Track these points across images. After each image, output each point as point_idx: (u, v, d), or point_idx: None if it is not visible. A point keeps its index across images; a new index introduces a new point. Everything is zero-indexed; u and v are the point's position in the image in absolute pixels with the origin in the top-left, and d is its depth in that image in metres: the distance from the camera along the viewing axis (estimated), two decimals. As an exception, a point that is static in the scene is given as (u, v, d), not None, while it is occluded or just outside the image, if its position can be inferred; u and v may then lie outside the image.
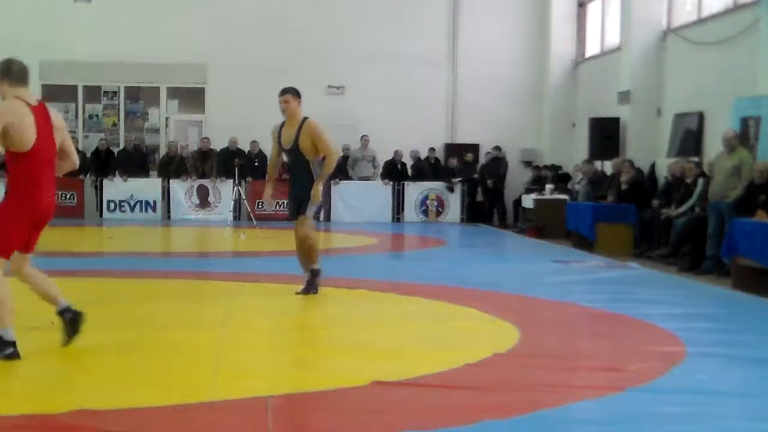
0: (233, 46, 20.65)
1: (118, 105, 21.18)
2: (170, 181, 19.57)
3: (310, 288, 8.29)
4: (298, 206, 8.30)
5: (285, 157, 8.49)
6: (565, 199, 16.80)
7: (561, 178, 18.64)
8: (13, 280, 5.91)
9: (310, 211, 8.22)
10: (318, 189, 8.13)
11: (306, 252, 8.27)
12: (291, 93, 8.19)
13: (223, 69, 20.71)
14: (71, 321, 5.84)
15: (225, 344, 6.18)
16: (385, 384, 4.99)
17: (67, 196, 19.32)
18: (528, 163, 21.03)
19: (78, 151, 21.74)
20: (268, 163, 8.91)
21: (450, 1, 21.41)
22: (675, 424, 4.40)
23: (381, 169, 20.18)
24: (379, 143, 20.19)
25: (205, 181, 19.59)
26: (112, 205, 19.49)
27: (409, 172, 20.29)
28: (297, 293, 8.27)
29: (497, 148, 20.49)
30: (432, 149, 20.59)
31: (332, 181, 19.71)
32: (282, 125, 8.32)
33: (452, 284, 9.37)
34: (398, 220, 19.93)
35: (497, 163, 20.33)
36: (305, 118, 8.16)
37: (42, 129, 5.55)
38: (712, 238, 11.14)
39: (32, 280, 5.89)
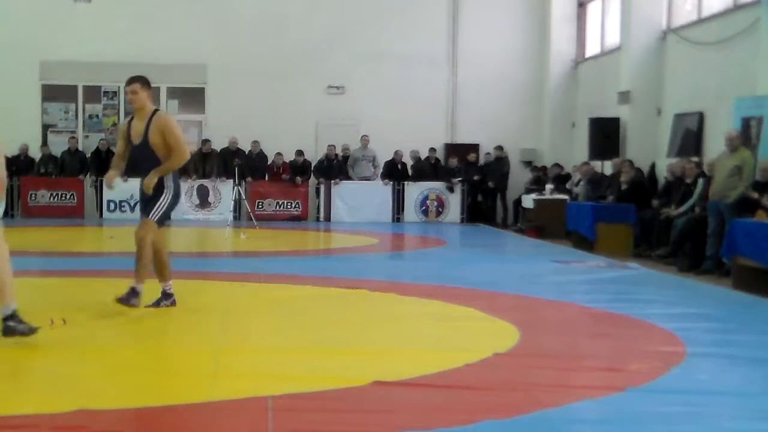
0: (233, 46, 20.65)
1: (118, 105, 21.17)
2: (170, 181, 19.56)
3: (129, 299, 7.13)
4: (145, 206, 7.46)
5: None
6: (565, 199, 16.80)
7: (561, 179, 18.64)
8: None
9: (155, 214, 7.32)
10: (152, 179, 7.20)
11: (138, 258, 7.30)
12: (140, 82, 7.26)
13: (223, 69, 20.72)
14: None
15: (225, 344, 6.18)
16: (385, 384, 4.98)
17: (67, 196, 19.33)
18: (528, 163, 21.04)
19: (77, 152, 21.53)
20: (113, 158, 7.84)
21: (450, 1, 21.41)
22: (675, 424, 4.40)
23: (381, 169, 20.18)
24: (379, 143, 20.19)
25: (205, 181, 19.59)
26: (112, 205, 19.47)
27: (410, 172, 20.30)
28: (147, 306, 7.29)
29: (500, 148, 20.52)
30: (432, 149, 20.59)
31: (332, 182, 19.77)
32: (131, 119, 7.44)
33: (452, 284, 9.36)
34: (398, 220, 19.92)
35: (500, 163, 20.37)
36: (155, 110, 7.35)
37: None
38: (712, 238, 11.14)
39: None
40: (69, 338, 6.21)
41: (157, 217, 7.33)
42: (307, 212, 20.11)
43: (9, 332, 5.76)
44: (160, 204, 7.32)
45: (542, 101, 21.31)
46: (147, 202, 7.37)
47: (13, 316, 5.79)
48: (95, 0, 20.56)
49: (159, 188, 7.30)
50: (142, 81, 7.30)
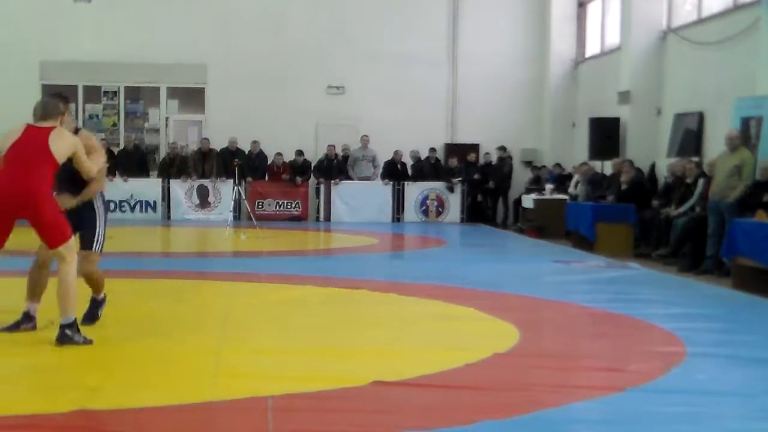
0: (233, 46, 20.65)
1: (118, 105, 21.17)
2: (170, 181, 19.57)
3: (93, 316, 6.82)
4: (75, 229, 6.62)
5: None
6: (565, 199, 16.80)
7: (561, 179, 18.63)
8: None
9: (98, 245, 6.75)
10: (70, 202, 6.55)
11: (91, 285, 6.83)
12: (61, 103, 6.66)
13: (223, 69, 20.71)
14: None
15: (225, 344, 6.18)
16: (385, 384, 4.99)
17: (67, 196, 19.31)
18: (528, 163, 21.04)
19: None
20: None
21: (450, 1, 21.41)
22: (675, 424, 4.40)
23: (381, 169, 20.18)
24: (379, 143, 20.18)
25: (205, 181, 19.58)
26: (112, 205, 19.37)
27: (410, 172, 20.29)
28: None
29: (502, 149, 20.52)
30: (432, 149, 20.58)
31: (332, 182, 19.77)
32: None
33: (452, 284, 9.36)
34: (398, 220, 19.92)
35: (502, 164, 20.38)
36: (77, 129, 6.97)
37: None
38: (712, 238, 11.14)
39: None
40: (69, 338, 6.21)
41: (100, 248, 6.80)
42: (307, 212, 20.10)
43: (65, 340, 5.85)
44: (98, 232, 6.75)
45: (542, 101, 21.30)
46: (80, 227, 6.68)
47: (71, 326, 5.90)
48: (95, 0, 20.55)
49: (90, 212, 6.75)
50: (63, 102, 6.72)
